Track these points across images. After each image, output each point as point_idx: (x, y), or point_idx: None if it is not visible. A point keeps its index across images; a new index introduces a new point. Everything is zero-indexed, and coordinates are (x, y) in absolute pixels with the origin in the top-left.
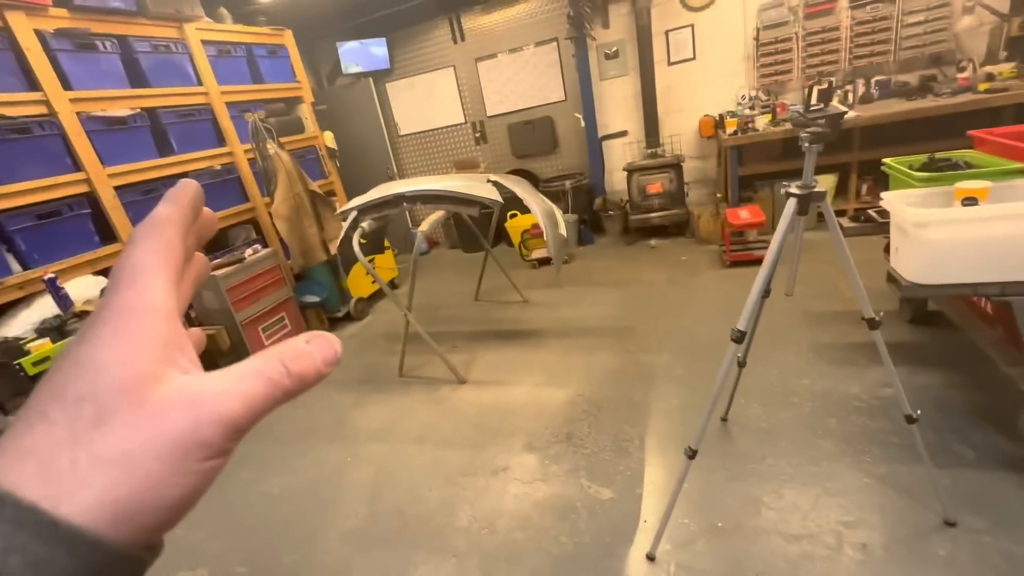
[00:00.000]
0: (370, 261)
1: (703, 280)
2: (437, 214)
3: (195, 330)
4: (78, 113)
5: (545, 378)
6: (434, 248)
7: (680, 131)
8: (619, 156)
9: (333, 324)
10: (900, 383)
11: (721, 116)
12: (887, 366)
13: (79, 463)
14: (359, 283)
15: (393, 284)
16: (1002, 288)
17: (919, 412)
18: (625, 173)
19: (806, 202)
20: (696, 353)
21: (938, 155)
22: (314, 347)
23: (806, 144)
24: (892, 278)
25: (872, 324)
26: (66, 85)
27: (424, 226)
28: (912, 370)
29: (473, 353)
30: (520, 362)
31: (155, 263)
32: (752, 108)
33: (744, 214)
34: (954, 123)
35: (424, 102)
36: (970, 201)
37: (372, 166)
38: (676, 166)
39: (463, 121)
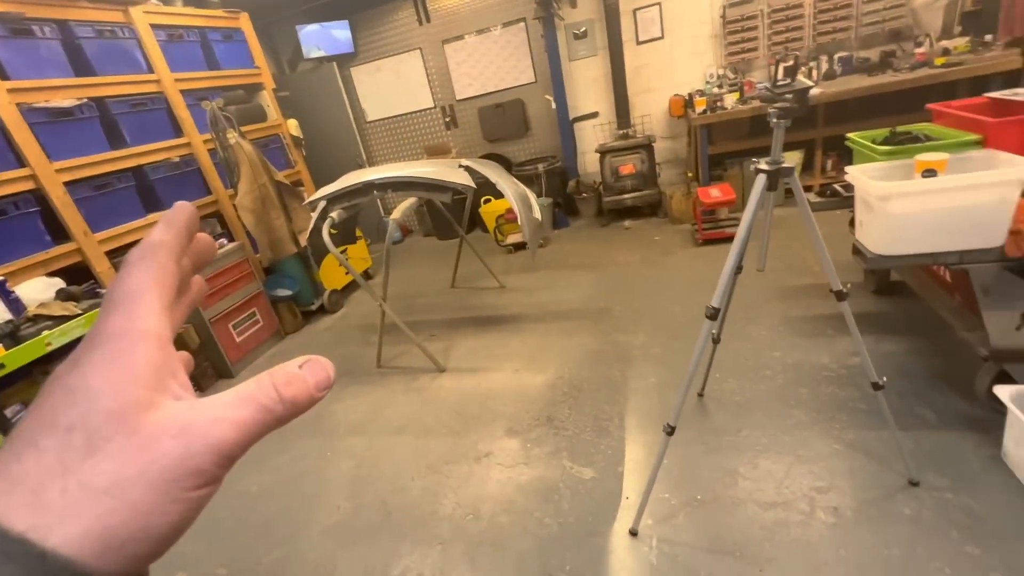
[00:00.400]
0: (342, 252)
1: (677, 259)
2: (409, 201)
3: (183, 353)
4: (18, 104)
5: (524, 363)
6: (408, 236)
7: (650, 111)
8: (591, 138)
9: (307, 317)
10: (866, 352)
11: (690, 95)
12: (854, 336)
13: (70, 492)
14: (332, 275)
15: (367, 274)
16: (960, 256)
17: (884, 379)
18: (597, 155)
19: (775, 178)
20: (672, 331)
21: (899, 129)
22: (307, 371)
23: (774, 119)
24: (857, 250)
25: (839, 296)
26: (2, 75)
27: (396, 214)
28: (877, 339)
29: (451, 341)
30: (499, 348)
31: (149, 287)
32: (720, 87)
33: (715, 192)
34: (913, 97)
35: (391, 87)
36: (929, 173)
37: (340, 154)
38: (647, 147)
39: (432, 105)
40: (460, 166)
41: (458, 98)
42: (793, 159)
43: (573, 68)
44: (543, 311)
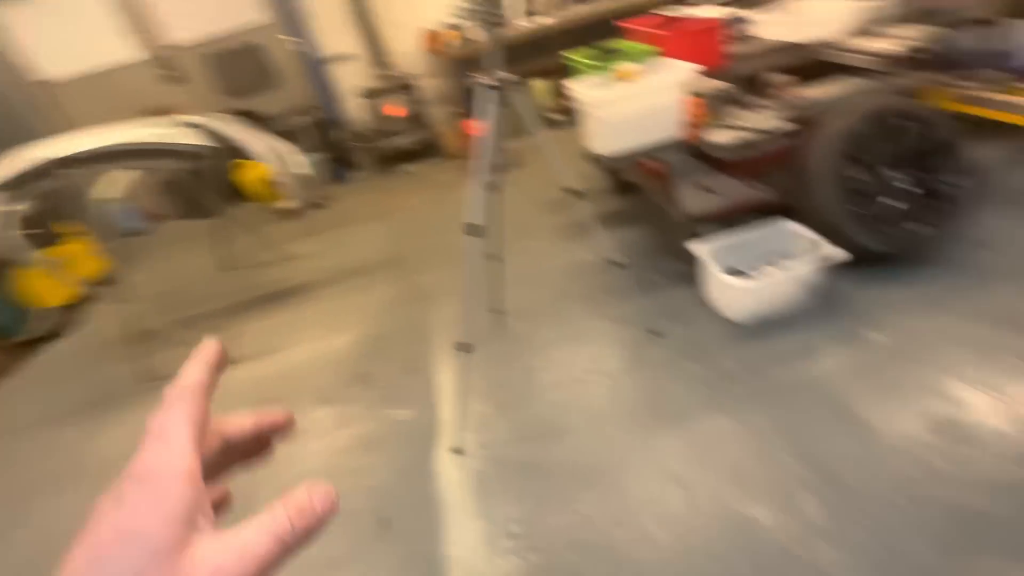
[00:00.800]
0: (49, 255)
1: (459, 195)
2: (126, 177)
3: (220, 487)
4: None
5: (325, 329)
6: (161, 223)
7: (408, 48)
8: (352, 82)
9: (21, 351)
10: (613, 240)
11: (440, 29)
12: (595, 229)
13: None
14: (44, 289)
15: (106, 278)
16: (656, 149)
17: (627, 260)
18: (363, 100)
19: (500, 92)
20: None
21: (604, 45)
22: (315, 501)
23: (483, 30)
24: (589, 155)
25: (576, 194)
26: None
27: (109, 193)
28: (622, 229)
29: (239, 328)
30: (295, 321)
31: (183, 426)
32: (466, 19)
33: (478, 124)
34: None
35: (73, 32)
36: (626, 81)
37: (18, 128)
38: (412, 86)
39: (144, 57)
40: (185, 125)
41: (172, 44)
42: (543, 87)
43: (312, 4)
44: (336, 272)
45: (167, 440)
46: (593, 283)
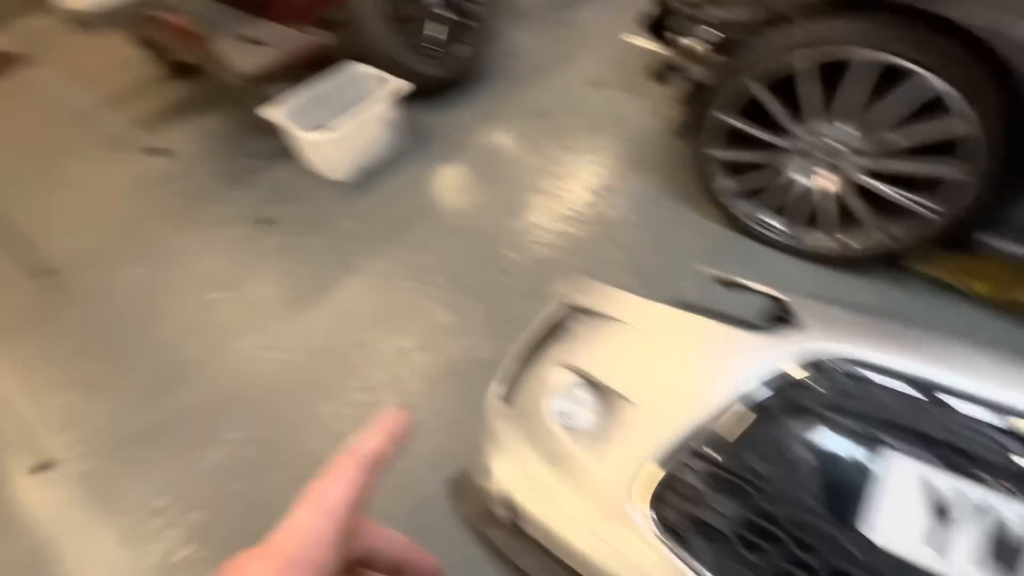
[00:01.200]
0: None
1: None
2: None
3: None
4: None
5: None
6: None
7: None
8: None
9: None
10: (185, 132)
11: None
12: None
13: None
14: None
15: None
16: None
17: (170, 147)
18: None
19: None
20: None
21: None
22: None
23: None
24: (66, 15)
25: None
26: None
27: None
28: (191, 118)
29: None
30: None
31: (340, 505)
32: None
33: None
34: None
35: None
36: None
37: None
38: None
39: None
40: None
41: None
42: None
43: None
44: None
45: (315, 521)
46: (175, 192)
